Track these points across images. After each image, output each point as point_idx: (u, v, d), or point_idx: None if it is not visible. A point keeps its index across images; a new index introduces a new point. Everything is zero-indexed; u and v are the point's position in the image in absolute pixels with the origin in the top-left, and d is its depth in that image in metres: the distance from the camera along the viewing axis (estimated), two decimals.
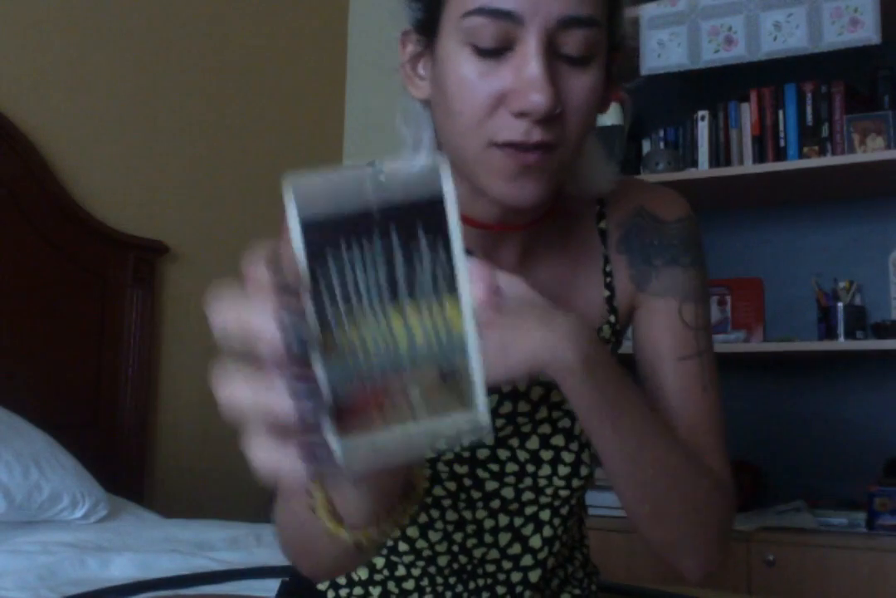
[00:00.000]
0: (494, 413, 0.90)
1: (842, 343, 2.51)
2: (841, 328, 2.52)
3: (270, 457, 0.44)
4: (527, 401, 0.90)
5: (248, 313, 0.43)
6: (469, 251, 0.89)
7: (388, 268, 0.44)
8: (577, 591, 1.01)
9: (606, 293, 0.92)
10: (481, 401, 0.45)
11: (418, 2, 0.84)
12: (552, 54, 0.77)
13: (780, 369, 2.84)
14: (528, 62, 0.76)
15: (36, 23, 2.51)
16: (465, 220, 0.86)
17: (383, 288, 0.44)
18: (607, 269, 0.93)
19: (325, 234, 0.43)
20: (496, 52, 0.77)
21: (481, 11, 0.76)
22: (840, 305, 2.55)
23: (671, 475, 0.80)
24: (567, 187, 0.90)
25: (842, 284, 2.63)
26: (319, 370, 0.43)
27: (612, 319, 0.93)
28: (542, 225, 0.89)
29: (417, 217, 0.44)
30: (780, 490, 2.69)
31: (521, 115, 0.76)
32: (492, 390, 0.89)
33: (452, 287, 0.45)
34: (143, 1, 2.78)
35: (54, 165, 2.51)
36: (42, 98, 2.52)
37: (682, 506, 0.83)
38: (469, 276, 0.45)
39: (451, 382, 0.45)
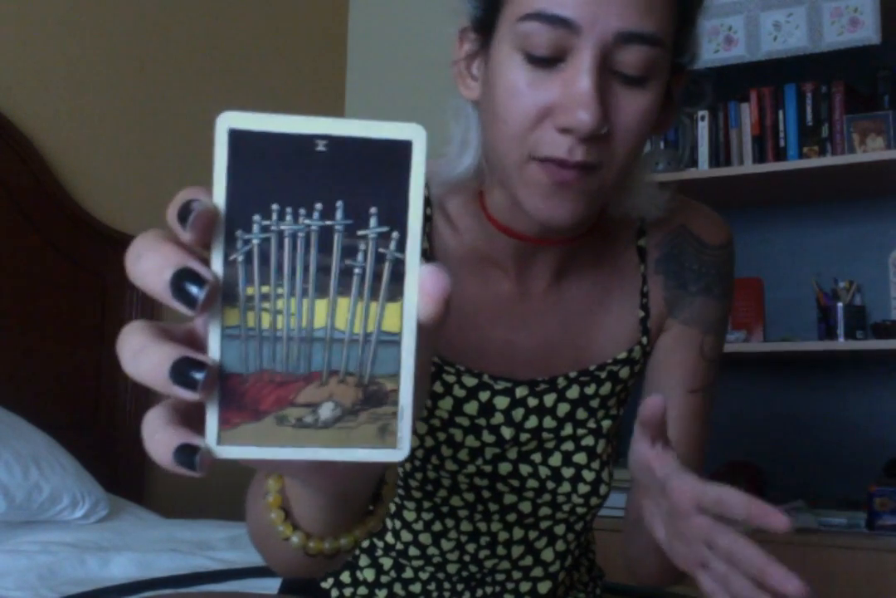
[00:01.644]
0: (520, 427, 0.89)
1: (842, 343, 2.51)
2: (841, 328, 2.52)
3: (149, 433, 0.37)
4: (553, 417, 0.89)
5: (145, 265, 0.37)
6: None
7: (323, 254, 0.37)
8: (581, 595, 1.00)
9: (641, 314, 0.91)
10: (406, 439, 0.38)
11: (477, 1, 0.80)
12: (607, 70, 0.73)
13: (780, 369, 2.84)
14: (579, 76, 0.72)
15: (36, 23, 2.51)
16: (504, 229, 0.84)
17: (312, 277, 0.37)
18: (644, 289, 0.91)
19: (257, 195, 0.36)
20: (549, 61, 0.73)
21: (538, 16, 0.73)
22: (840, 305, 2.55)
23: None
24: (612, 211, 0.87)
25: (842, 284, 2.63)
26: (214, 348, 0.37)
27: (644, 340, 0.91)
28: (581, 242, 0.86)
29: (373, 199, 0.37)
30: (780, 490, 2.69)
31: (564, 131, 0.73)
32: (517, 403, 0.88)
33: (397, 294, 0.37)
34: (142, 1, 2.78)
35: (54, 165, 2.51)
36: (42, 98, 2.51)
37: None
38: (421, 285, 0.37)
39: (374, 407, 0.37)
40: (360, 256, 0.37)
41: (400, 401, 0.37)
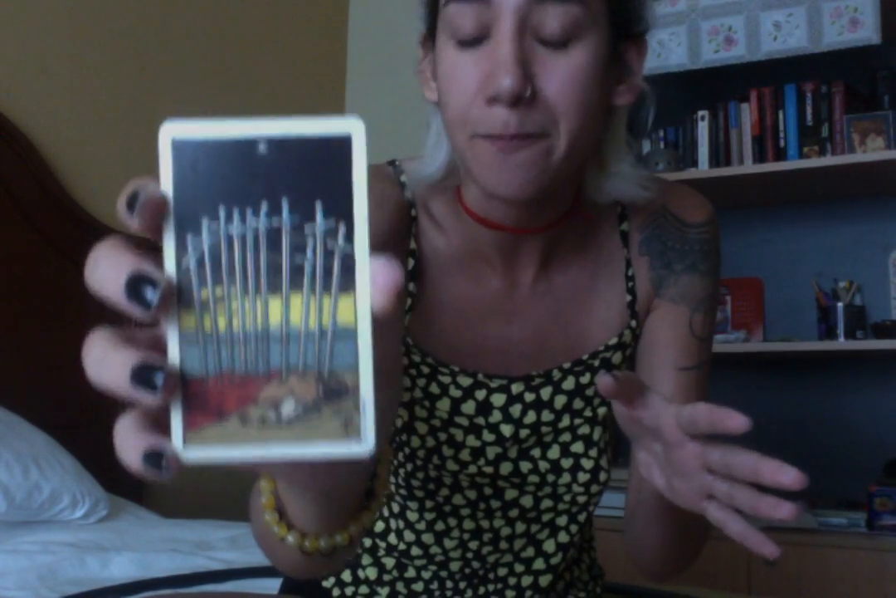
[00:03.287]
0: (518, 424, 0.89)
1: (842, 343, 2.51)
2: (841, 328, 2.52)
3: (120, 438, 0.38)
4: (550, 410, 0.89)
5: (101, 271, 0.38)
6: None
7: (272, 252, 0.37)
8: (582, 594, 1.00)
9: (628, 298, 0.91)
10: (370, 433, 0.37)
11: (424, 6, 0.83)
12: (529, 37, 0.75)
13: (780, 369, 2.84)
14: (499, 46, 0.74)
15: (36, 22, 2.51)
16: (483, 221, 0.85)
17: (264, 275, 0.37)
18: (629, 273, 0.91)
19: (204, 199, 0.37)
20: (476, 40, 0.76)
21: None
22: (840, 305, 2.55)
23: (702, 531, 0.86)
24: (592, 194, 0.87)
25: (842, 284, 2.63)
26: (173, 352, 0.37)
27: (633, 323, 0.91)
28: (562, 228, 0.87)
29: (317, 194, 0.37)
30: (779, 490, 2.69)
31: (492, 100, 0.74)
32: (514, 399, 0.88)
33: (349, 286, 0.37)
34: (143, 1, 2.78)
35: (54, 164, 2.51)
36: (42, 98, 2.51)
37: (693, 548, 0.89)
38: (372, 278, 0.37)
39: (335, 401, 0.37)
40: (309, 252, 0.37)
41: (361, 394, 0.37)
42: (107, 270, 0.37)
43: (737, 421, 0.59)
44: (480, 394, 0.88)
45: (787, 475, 0.59)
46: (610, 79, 0.80)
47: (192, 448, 0.37)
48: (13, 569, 1.55)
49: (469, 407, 0.88)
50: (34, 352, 2.40)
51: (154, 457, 0.37)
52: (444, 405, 0.87)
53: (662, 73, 2.64)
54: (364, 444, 0.37)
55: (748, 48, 2.60)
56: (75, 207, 2.51)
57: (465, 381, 0.87)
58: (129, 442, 0.38)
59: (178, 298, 0.37)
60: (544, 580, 0.93)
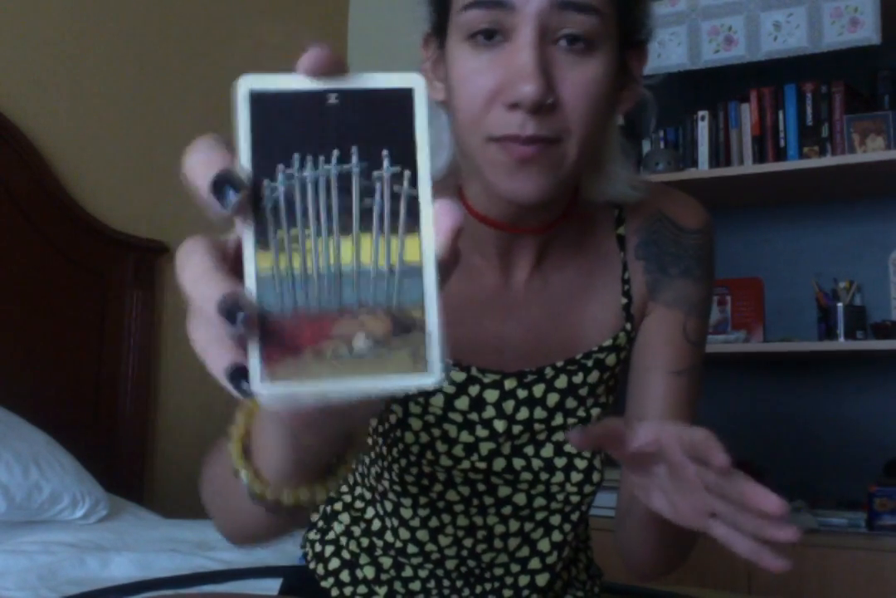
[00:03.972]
0: (511, 420, 0.89)
1: (842, 343, 2.51)
2: (841, 328, 2.52)
3: (203, 345, 0.41)
4: (543, 408, 0.90)
5: (194, 159, 0.40)
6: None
7: (343, 196, 0.40)
8: (580, 594, 1.01)
9: (624, 301, 0.92)
10: (438, 365, 0.40)
11: (430, 5, 0.84)
12: (548, 43, 0.76)
13: (780, 369, 2.84)
14: (520, 52, 0.75)
15: (36, 24, 2.51)
16: (482, 219, 0.86)
17: (335, 218, 0.40)
18: (625, 276, 0.92)
19: (279, 147, 0.40)
20: (493, 45, 0.77)
21: (476, 4, 0.76)
22: (840, 305, 2.55)
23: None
24: (592, 197, 0.89)
25: (842, 284, 2.63)
26: (251, 290, 0.40)
27: (629, 326, 0.92)
28: (559, 229, 0.88)
29: (384, 143, 0.40)
30: (780, 490, 2.69)
31: (513, 106, 0.75)
32: (507, 395, 0.89)
33: (414, 227, 0.40)
34: (143, 1, 2.78)
35: (54, 165, 2.51)
36: (42, 98, 2.51)
37: (684, 553, 0.91)
38: (435, 218, 0.40)
39: (404, 336, 0.40)
40: (377, 195, 0.40)
41: (427, 327, 0.40)
42: (199, 162, 0.40)
43: (718, 459, 0.63)
44: (474, 390, 0.88)
45: (771, 503, 0.63)
46: (616, 87, 0.81)
47: (269, 383, 0.39)
48: (13, 569, 1.55)
49: (462, 403, 0.88)
50: (34, 352, 2.40)
51: (238, 374, 0.39)
52: (437, 401, 0.88)
53: (662, 74, 2.63)
54: (432, 375, 0.40)
55: (748, 48, 2.60)
56: (75, 207, 2.52)
57: (459, 376, 0.88)
58: (215, 352, 0.40)
59: (256, 238, 0.40)
60: (541, 580, 0.93)
